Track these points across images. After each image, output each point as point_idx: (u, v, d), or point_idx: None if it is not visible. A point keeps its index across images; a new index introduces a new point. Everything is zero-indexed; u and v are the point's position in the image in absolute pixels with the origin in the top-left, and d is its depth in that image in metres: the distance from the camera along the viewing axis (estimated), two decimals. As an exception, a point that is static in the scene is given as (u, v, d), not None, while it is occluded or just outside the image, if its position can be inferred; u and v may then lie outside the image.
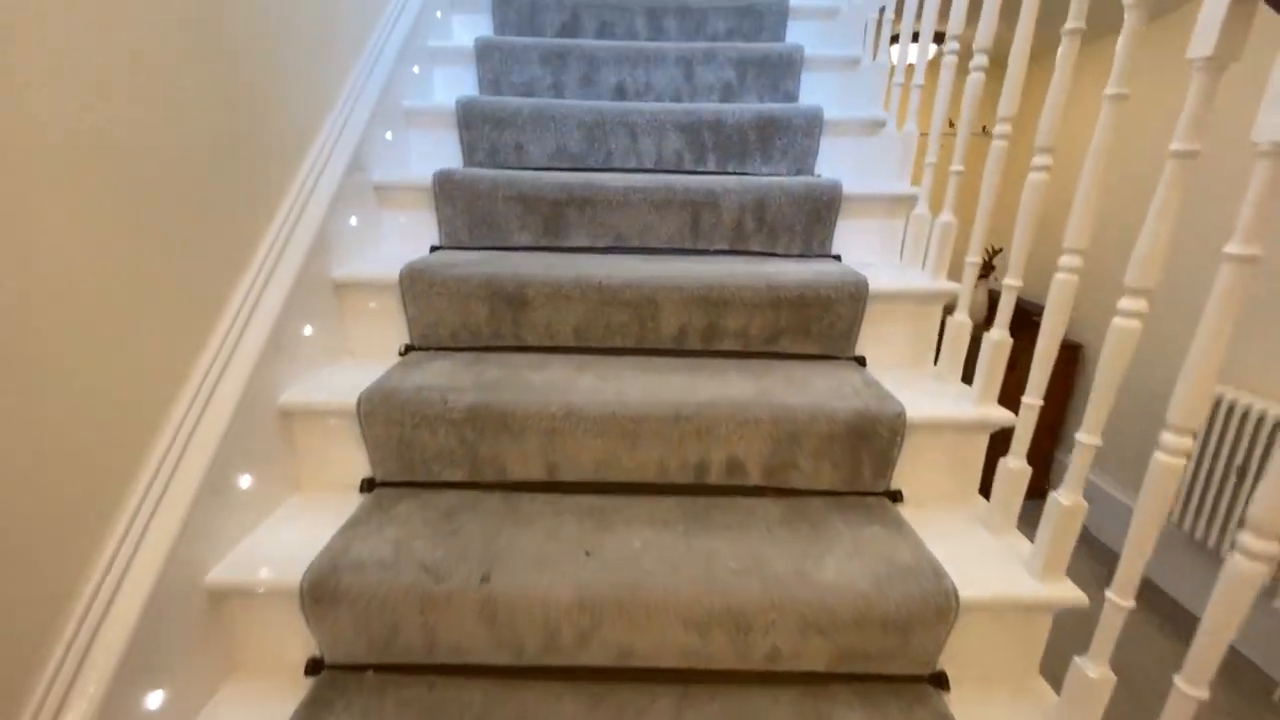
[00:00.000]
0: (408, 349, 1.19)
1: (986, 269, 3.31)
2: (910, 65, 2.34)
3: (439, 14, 1.73)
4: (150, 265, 0.78)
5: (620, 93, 1.68)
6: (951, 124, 3.77)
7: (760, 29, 1.84)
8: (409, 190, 1.33)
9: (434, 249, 1.35)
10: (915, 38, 1.55)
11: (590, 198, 1.30)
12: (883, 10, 1.57)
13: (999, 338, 1.00)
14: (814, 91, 1.69)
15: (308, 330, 1.06)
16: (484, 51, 1.64)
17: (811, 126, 1.48)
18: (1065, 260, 0.82)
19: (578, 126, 1.48)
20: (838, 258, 1.35)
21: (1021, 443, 0.90)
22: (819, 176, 1.50)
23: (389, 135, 1.39)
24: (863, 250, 1.37)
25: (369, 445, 1.00)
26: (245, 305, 0.94)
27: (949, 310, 1.20)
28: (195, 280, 0.85)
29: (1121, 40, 0.73)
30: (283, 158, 1.06)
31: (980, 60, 1.10)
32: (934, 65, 2.58)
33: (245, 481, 0.90)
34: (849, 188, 1.31)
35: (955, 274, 1.13)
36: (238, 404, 0.88)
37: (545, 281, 1.12)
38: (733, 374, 1.10)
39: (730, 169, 1.52)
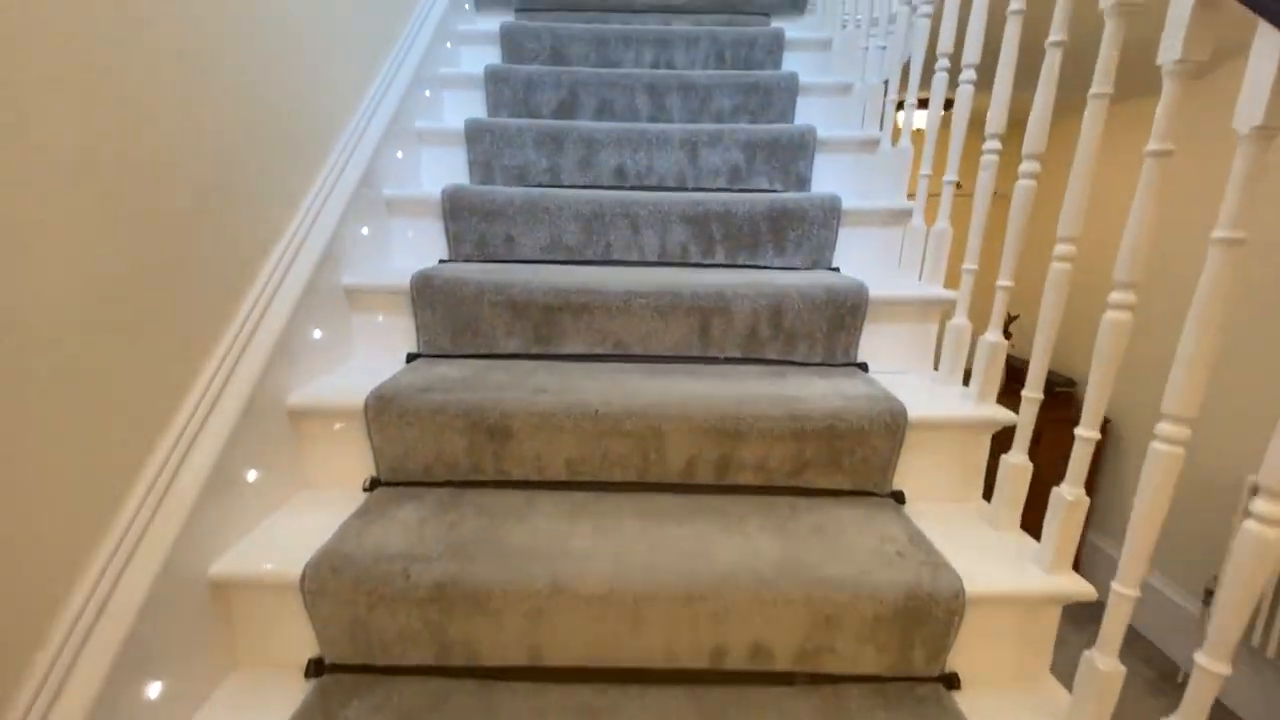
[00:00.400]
0: (373, 483, 1.03)
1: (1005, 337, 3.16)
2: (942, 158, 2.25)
3: (428, 93, 1.63)
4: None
5: (621, 176, 1.56)
6: (959, 185, 3.71)
7: (768, 105, 1.74)
8: (384, 294, 1.19)
9: (411, 357, 1.20)
10: (948, 105, 1.43)
11: (587, 304, 1.16)
12: (886, 83, 1.46)
13: (1074, 497, 0.84)
14: (828, 175, 1.58)
15: (251, 475, 0.90)
16: (474, 133, 1.54)
17: (828, 218, 1.35)
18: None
19: (574, 218, 1.35)
20: (864, 366, 1.21)
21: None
22: (838, 271, 1.37)
23: (365, 230, 1.26)
24: (892, 357, 1.22)
25: (316, 624, 0.82)
26: (181, 441, 0.79)
27: (996, 436, 1.05)
28: (128, 411, 0.70)
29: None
30: (234, 261, 0.92)
31: (993, 144, 1.01)
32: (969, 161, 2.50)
33: (154, 690, 0.72)
34: (875, 290, 1.18)
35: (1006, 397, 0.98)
36: (156, 576, 0.72)
37: (533, 412, 0.97)
38: (753, 522, 0.93)
39: (741, 261, 1.39)
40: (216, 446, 0.83)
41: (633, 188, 1.57)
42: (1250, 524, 0.58)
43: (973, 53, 1.08)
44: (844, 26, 1.85)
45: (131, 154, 0.73)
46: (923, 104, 2.96)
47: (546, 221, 1.36)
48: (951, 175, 1.17)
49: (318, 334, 1.08)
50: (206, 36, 0.86)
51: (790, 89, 1.72)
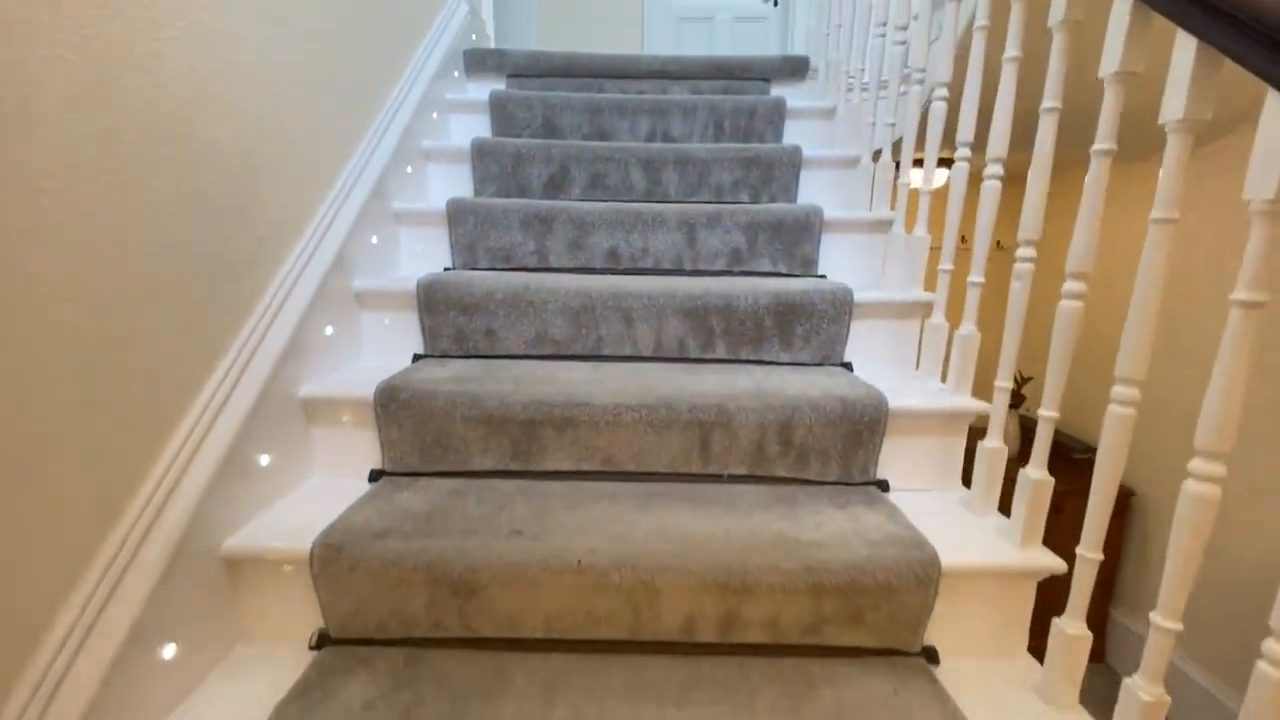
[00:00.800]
0: (321, 640, 0.88)
1: (1017, 398, 3.04)
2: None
3: (409, 169, 1.54)
4: None
5: (614, 258, 1.46)
6: (964, 239, 3.63)
7: (769, 180, 1.65)
8: (345, 405, 1.07)
9: (376, 474, 1.07)
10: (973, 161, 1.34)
11: (572, 418, 1.03)
12: (897, 164, 1.37)
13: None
14: (837, 258, 1.47)
15: (168, 653, 0.76)
16: (457, 215, 1.43)
17: (839, 312, 1.24)
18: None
19: (561, 312, 1.24)
20: (884, 486, 1.07)
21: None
22: (850, 368, 1.25)
23: (330, 330, 1.14)
24: (916, 474, 1.09)
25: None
26: (96, 593, 0.66)
27: (1043, 582, 0.91)
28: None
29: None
30: (170, 388, 0.79)
31: (1028, 252, 0.91)
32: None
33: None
34: (896, 400, 1.05)
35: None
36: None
37: (505, 564, 0.83)
38: (763, 700, 0.78)
39: (744, 356, 1.27)
40: (123, 625, 0.70)
41: (626, 271, 1.46)
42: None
43: (999, 145, 0.98)
44: (849, 92, 1.77)
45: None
46: (944, 162, 2.89)
47: (532, 315, 1.24)
48: (977, 276, 1.05)
49: (265, 459, 0.95)
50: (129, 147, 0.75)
51: (793, 163, 1.63)
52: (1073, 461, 2.85)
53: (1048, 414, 0.88)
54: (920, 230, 1.27)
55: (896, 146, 1.52)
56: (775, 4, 3.67)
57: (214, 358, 0.90)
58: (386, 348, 1.27)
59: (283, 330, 1.02)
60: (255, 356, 0.96)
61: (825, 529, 0.92)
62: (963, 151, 1.10)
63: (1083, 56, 0.90)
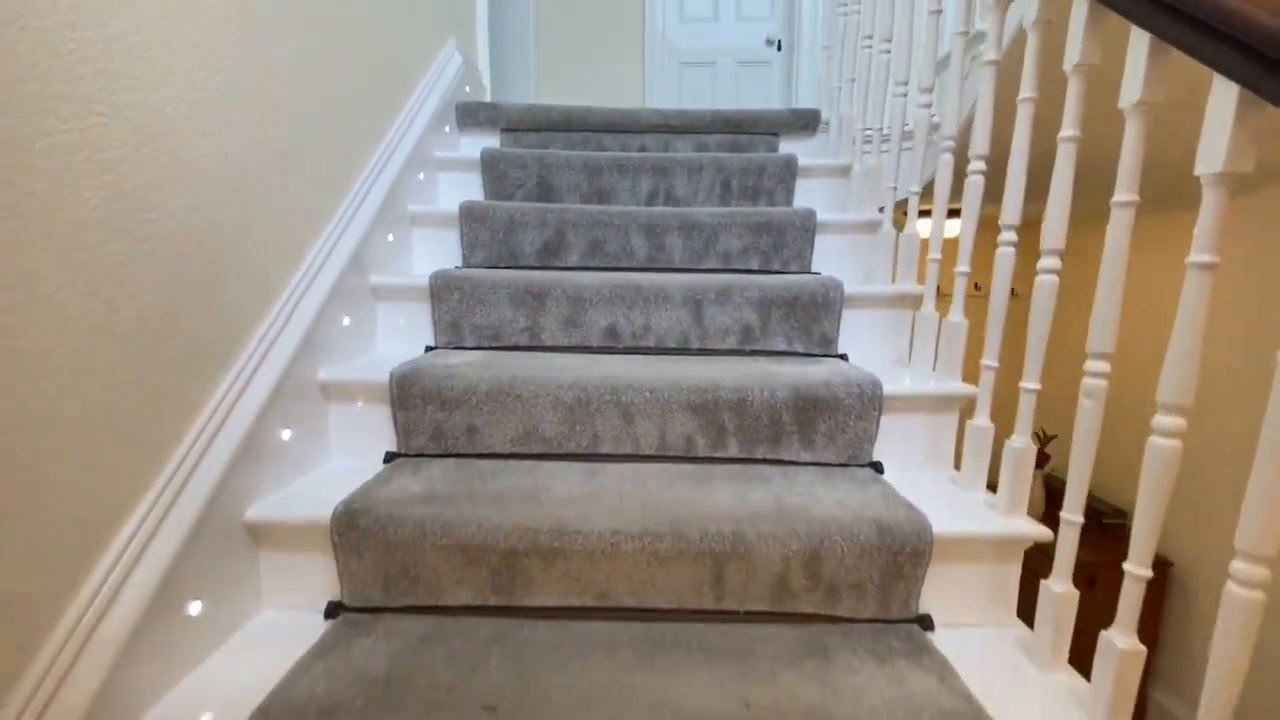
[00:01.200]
0: (250, 844, 0.71)
1: (1041, 457, 2.87)
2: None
3: (391, 237, 1.42)
4: None
5: (613, 336, 1.32)
6: (977, 286, 3.52)
7: (781, 246, 1.52)
8: (297, 532, 0.92)
9: (333, 609, 0.91)
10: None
11: (562, 547, 0.88)
12: (899, 216, 1.24)
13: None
14: (860, 336, 1.34)
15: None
16: (441, 290, 1.30)
17: (867, 408, 1.09)
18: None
19: (552, 406, 1.10)
20: (927, 622, 0.91)
21: None
22: (880, 470, 1.10)
23: (286, 434, 1.00)
24: (964, 608, 0.93)
25: None
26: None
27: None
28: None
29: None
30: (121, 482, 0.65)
31: (1099, 365, 0.75)
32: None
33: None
34: (942, 525, 0.90)
35: None
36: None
37: (475, 763, 0.67)
38: None
39: (760, 455, 1.12)
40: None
41: (626, 350, 1.33)
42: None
43: (1055, 237, 0.85)
44: (865, 150, 1.65)
45: None
46: (951, 212, 2.78)
47: (519, 411, 1.10)
48: (1032, 383, 0.91)
49: (195, 607, 0.80)
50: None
51: (806, 228, 1.51)
52: (1103, 528, 2.67)
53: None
54: (956, 314, 1.13)
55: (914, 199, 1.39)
56: (779, 48, 3.62)
57: (150, 476, 0.75)
58: (356, 446, 1.13)
59: (231, 435, 0.87)
60: (197, 471, 0.82)
61: (865, 699, 0.76)
62: (1007, 235, 0.97)
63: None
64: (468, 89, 2.02)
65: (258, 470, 0.93)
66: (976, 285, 3.62)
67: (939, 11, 1.24)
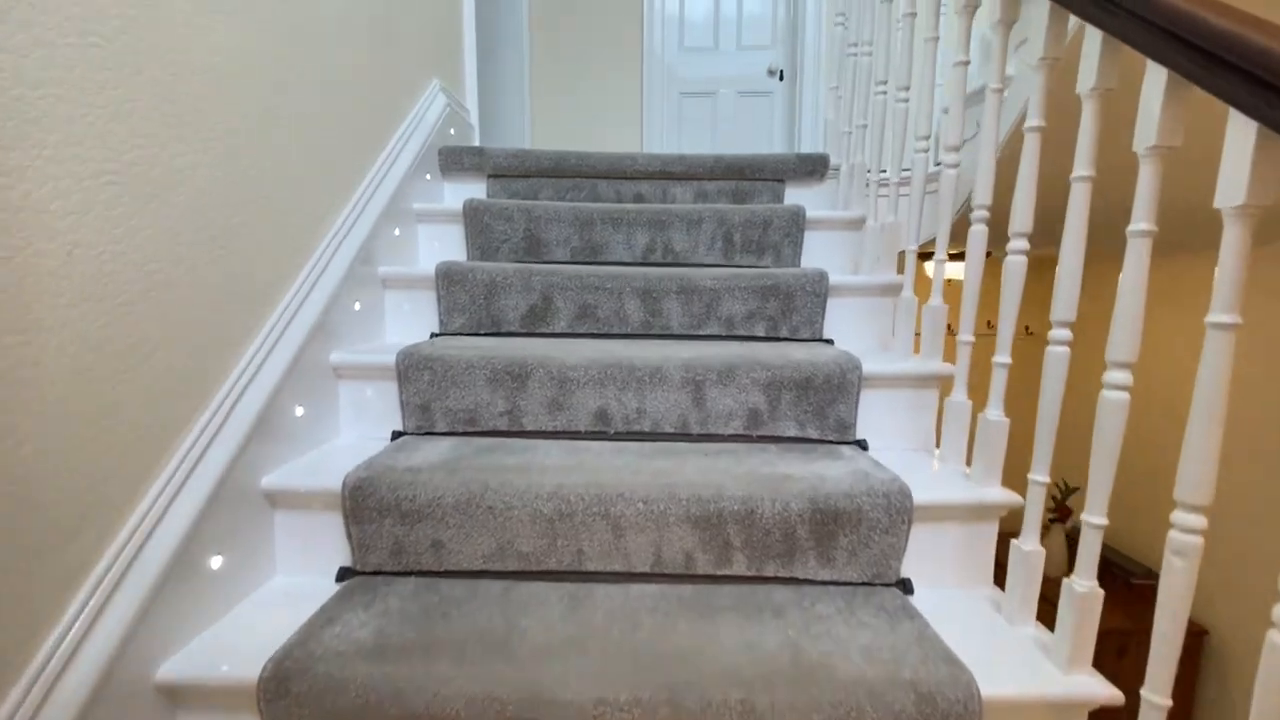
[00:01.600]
0: None
1: (1063, 511, 2.71)
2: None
3: (358, 305, 1.28)
4: None
5: (603, 420, 1.18)
6: (990, 324, 3.38)
7: (789, 310, 1.38)
8: (220, 695, 0.76)
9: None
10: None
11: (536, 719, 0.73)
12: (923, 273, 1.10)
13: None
14: (882, 420, 1.19)
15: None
16: (409, 370, 1.16)
17: (894, 520, 0.94)
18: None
19: (531, 519, 0.95)
20: (977, 805, 0.76)
21: None
22: (909, 590, 0.95)
23: (217, 561, 0.85)
24: (1018, 784, 0.78)
25: None
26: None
27: None
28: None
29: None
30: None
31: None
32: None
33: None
34: (992, 687, 0.75)
35: None
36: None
37: None
38: None
39: (770, 573, 0.97)
40: None
41: (618, 436, 1.18)
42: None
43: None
44: (880, 199, 1.52)
45: None
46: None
47: (492, 524, 0.95)
48: (1097, 517, 0.76)
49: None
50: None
51: (818, 292, 1.37)
52: (1131, 588, 2.51)
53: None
54: (995, 411, 0.98)
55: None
56: (781, 78, 3.52)
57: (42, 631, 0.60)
58: (305, 564, 0.98)
59: (153, 559, 0.73)
60: (103, 614, 0.67)
61: None
62: (1060, 333, 0.83)
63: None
64: (452, 131, 1.89)
65: (189, 601, 0.78)
66: (990, 323, 3.48)
67: (966, 63, 1.11)
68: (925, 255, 2.30)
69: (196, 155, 0.85)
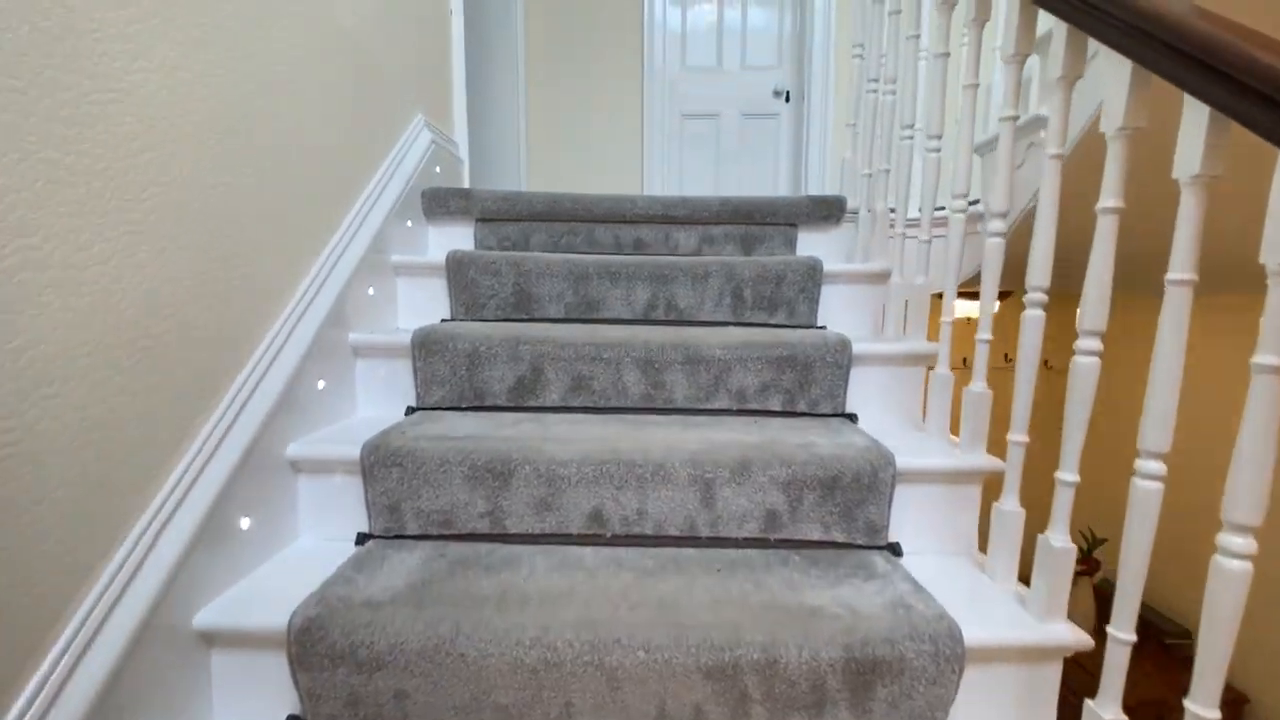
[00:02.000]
0: None
1: (1093, 565, 2.56)
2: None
3: (321, 384, 1.13)
4: None
5: (598, 521, 1.03)
6: (1008, 358, 3.22)
7: (807, 383, 1.24)
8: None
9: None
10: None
11: None
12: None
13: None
14: (918, 520, 1.04)
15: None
16: (376, 466, 1.01)
17: (942, 669, 0.80)
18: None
19: (512, 669, 0.80)
20: None
21: None
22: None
23: (245, 523, 0.70)
24: None
25: None
26: None
27: None
28: None
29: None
30: None
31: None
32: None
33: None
34: None
35: None
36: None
37: None
38: None
39: (794, 728, 0.82)
40: None
41: (614, 540, 1.04)
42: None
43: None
44: (901, 242, 1.37)
45: None
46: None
47: (464, 673, 0.80)
48: (1127, 633, 0.61)
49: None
50: None
51: (839, 364, 1.23)
52: (1166, 649, 2.35)
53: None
54: (1060, 537, 0.83)
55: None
56: (787, 99, 3.39)
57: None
58: (246, 713, 0.83)
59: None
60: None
61: None
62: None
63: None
64: (438, 169, 1.75)
65: None
66: (1007, 357, 3.33)
67: (1015, 118, 0.96)
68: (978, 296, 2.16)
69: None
